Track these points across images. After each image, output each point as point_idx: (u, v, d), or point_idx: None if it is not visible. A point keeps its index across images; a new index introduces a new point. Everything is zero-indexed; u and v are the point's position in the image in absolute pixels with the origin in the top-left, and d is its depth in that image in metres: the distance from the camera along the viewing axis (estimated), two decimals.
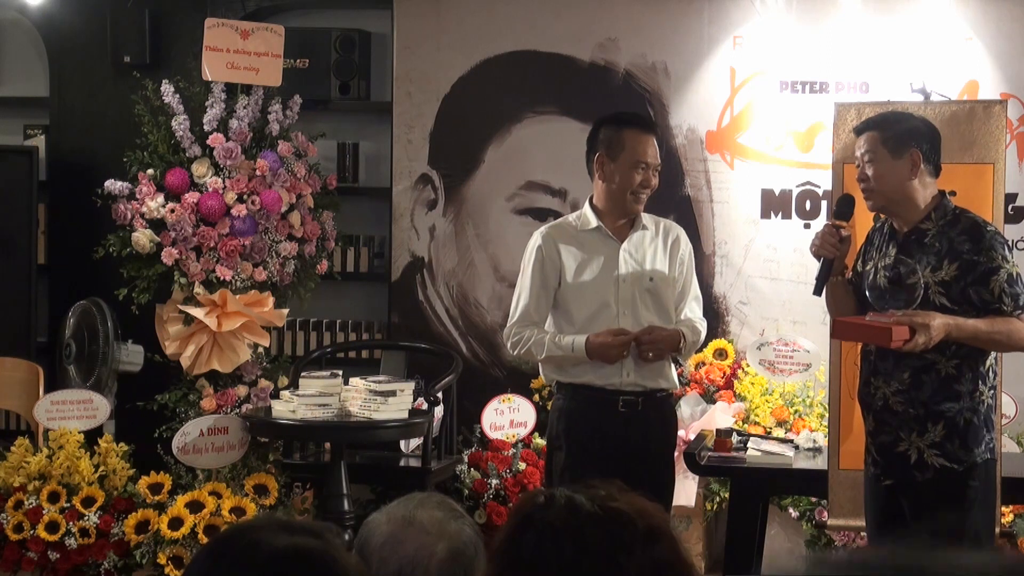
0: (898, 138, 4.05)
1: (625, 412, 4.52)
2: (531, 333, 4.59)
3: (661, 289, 4.61)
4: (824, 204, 6.31)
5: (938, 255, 3.99)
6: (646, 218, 4.68)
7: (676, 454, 5.80)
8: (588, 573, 1.76)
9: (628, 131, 4.57)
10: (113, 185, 5.94)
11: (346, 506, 5.55)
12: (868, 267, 4.18)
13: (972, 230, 4.00)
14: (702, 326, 4.73)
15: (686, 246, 4.72)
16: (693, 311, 4.72)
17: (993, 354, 4.08)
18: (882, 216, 4.25)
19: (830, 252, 4.16)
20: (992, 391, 4.08)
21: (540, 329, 4.61)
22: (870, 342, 4.15)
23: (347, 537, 5.40)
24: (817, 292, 4.27)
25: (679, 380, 6.31)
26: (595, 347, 4.49)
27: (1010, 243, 4.15)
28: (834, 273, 4.21)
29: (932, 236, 4.03)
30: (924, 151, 4.05)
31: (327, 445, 5.89)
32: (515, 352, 4.67)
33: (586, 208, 4.66)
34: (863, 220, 4.40)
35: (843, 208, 4.26)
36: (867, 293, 4.14)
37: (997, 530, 4.76)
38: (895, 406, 4.04)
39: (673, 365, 4.71)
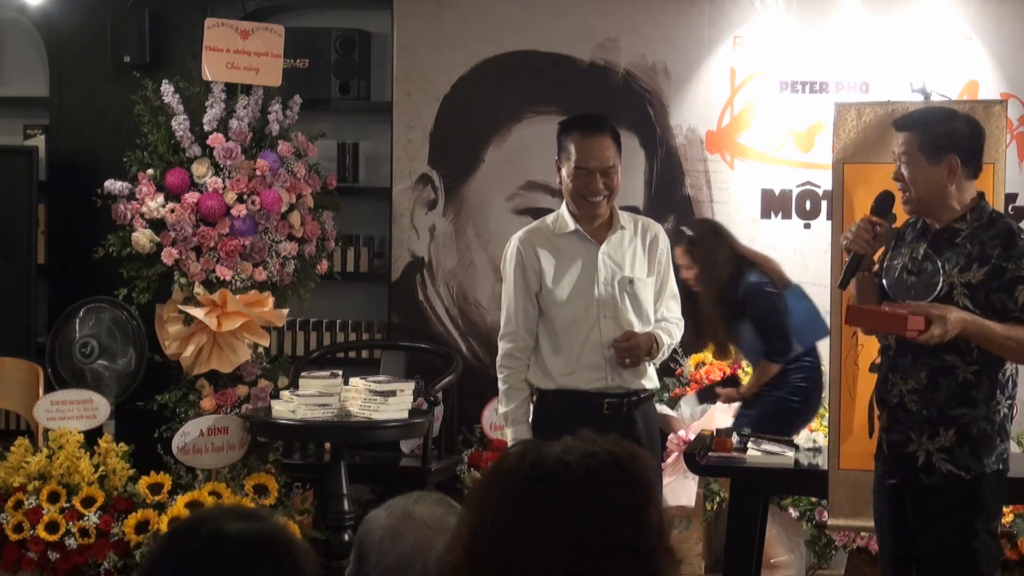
0: (936, 143, 3.94)
1: (610, 415, 4.50)
2: (515, 385, 4.56)
3: (641, 290, 4.57)
4: (824, 204, 6.32)
5: (968, 257, 3.92)
6: (624, 217, 4.62)
7: (677, 454, 5.82)
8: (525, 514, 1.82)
9: (572, 135, 4.50)
10: (113, 185, 5.94)
11: (346, 506, 5.55)
12: (896, 261, 4.12)
13: (1005, 235, 3.92)
14: (679, 326, 4.70)
15: (664, 243, 4.67)
16: (671, 310, 4.68)
17: (1013, 364, 4.00)
18: None
19: (862, 248, 4.07)
20: (1010, 401, 3.99)
21: (524, 387, 4.57)
22: (884, 330, 4.10)
23: (347, 538, 5.43)
24: (842, 286, 4.20)
25: (679, 380, 6.34)
26: None
27: None
28: (862, 268, 4.15)
29: (964, 237, 3.95)
30: (963, 157, 3.94)
31: (327, 445, 5.89)
32: (499, 378, 4.66)
33: (563, 211, 4.61)
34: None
35: (882, 205, 4.13)
36: (887, 286, 4.10)
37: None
38: (910, 405, 4.00)
39: (652, 365, 4.67)
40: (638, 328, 4.53)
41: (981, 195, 4.03)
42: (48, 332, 6.71)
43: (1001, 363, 3.95)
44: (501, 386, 4.60)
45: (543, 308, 4.57)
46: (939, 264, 3.94)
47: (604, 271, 4.53)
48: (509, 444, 4.60)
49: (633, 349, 4.48)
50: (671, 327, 4.64)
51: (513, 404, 4.56)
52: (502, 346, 4.62)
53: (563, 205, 4.63)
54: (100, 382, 6.15)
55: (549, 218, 4.66)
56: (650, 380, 4.61)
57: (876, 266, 4.19)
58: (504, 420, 4.63)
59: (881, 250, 4.19)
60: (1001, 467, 3.98)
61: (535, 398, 4.64)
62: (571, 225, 4.55)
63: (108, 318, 6.23)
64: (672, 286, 4.70)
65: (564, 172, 4.53)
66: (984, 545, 3.96)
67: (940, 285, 3.92)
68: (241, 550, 1.83)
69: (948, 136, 3.96)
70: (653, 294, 4.62)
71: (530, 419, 4.59)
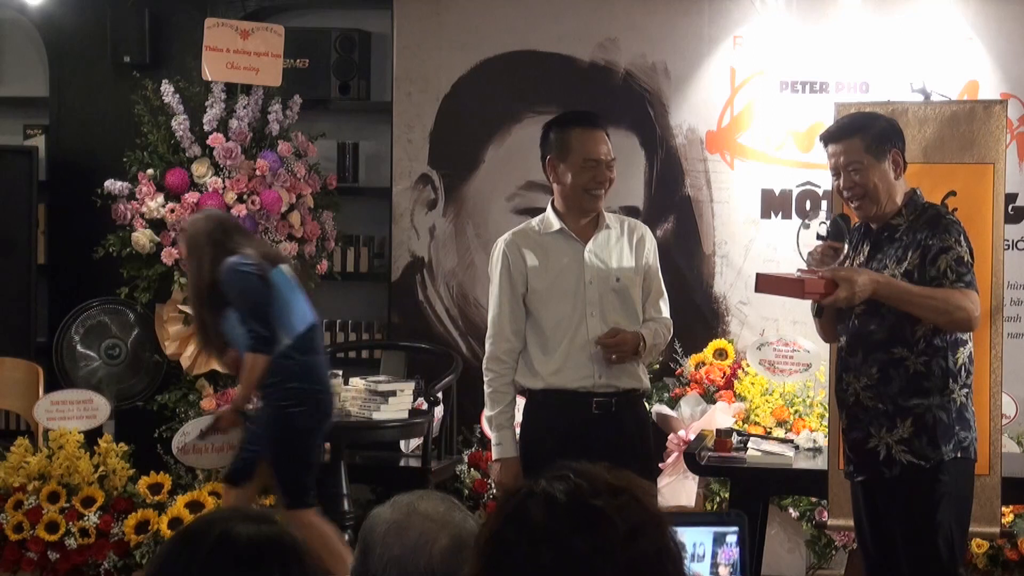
0: (878, 141, 4.03)
1: (599, 414, 4.50)
2: (500, 389, 4.57)
3: (628, 289, 4.58)
4: (824, 204, 6.32)
5: (905, 248, 4.00)
6: (610, 217, 4.63)
7: (677, 454, 5.82)
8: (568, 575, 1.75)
9: (574, 130, 4.54)
10: (113, 185, 5.94)
11: (346, 506, 5.56)
12: (845, 265, 4.17)
13: (932, 219, 4.01)
14: (668, 326, 4.68)
15: (651, 244, 4.68)
16: (659, 310, 4.67)
17: (966, 352, 4.02)
18: None
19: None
20: (966, 390, 4.02)
21: (509, 391, 4.58)
22: (785, 295, 4.18)
23: (347, 537, 5.42)
24: (819, 314, 4.23)
25: (679, 380, 6.34)
26: (496, 473, 4.62)
27: (966, 234, 4.07)
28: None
29: (902, 231, 4.04)
30: (900, 148, 4.05)
31: (327, 445, 5.89)
32: (484, 381, 4.66)
33: (548, 211, 4.62)
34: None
35: (837, 232, 4.20)
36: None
37: (997, 529, 4.77)
38: (865, 401, 4.05)
39: (643, 365, 4.67)
40: (625, 327, 4.53)
41: (914, 190, 4.09)
42: (48, 332, 6.72)
43: (952, 351, 3.98)
44: (486, 389, 4.60)
45: (530, 308, 4.58)
46: (884, 262, 3.98)
47: (590, 270, 4.54)
48: (493, 448, 4.61)
49: (620, 345, 4.47)
50: (659, 327, 4.63)
51: (498, 408, 4.57)
52: (488, 349, 4.63)
53: (548, 206, 4.64)
54: (123, 383, 6.15)
55: (534, 220, 4.67)
56: (639, 380, 4.60)
57: None
58: (489, 424, 4.63)
59: None
60: (961, 455, 3.99)
61: (524, 399, 4.65)
62: (556, 224, 4.57)
63: (127, 317, 6.23)
64: (660, 286, 4.71)
65: (563, 167, 4.53)
66: (949, 537, 3.97)
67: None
68: (250, 553, 1.83)
69: (884, 133, 4.06)
70: (641, 294, 4.63)
71: (515, 423, 4.60)
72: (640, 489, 1.81)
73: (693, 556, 2.45)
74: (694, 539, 2.50)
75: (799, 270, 4.06)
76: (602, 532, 1.75)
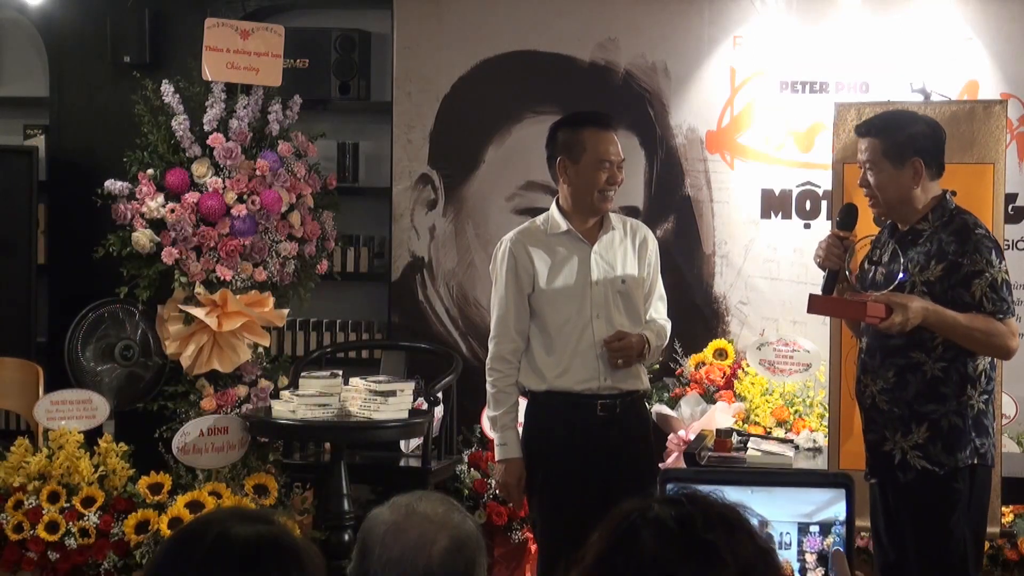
0: (900, 148, 4.00)
1: (604, 416, 4.51)
2: (504, 389, 4.58)
3: (632, 291, 4.59)
4: (824, 204, 6.32)
5: (927, 255, 3.98)
6: (614, 218, 4.64)
7: (677, 454, 5.82)
8: None
9: (586, 131, 4.53)
10: (113, 185, 5.94)
11: (346, 506, 5.55)
12: (869, 264, 4.17)
13: (960, 232, 3.97)
14: (667, 327, 4.72)
15: (653, 245, 4.71)
16: (658, 311, 4.71)
17: (988, 358, 4.03)
18: None
19: (835, 263, 4.12)
20: (986, 396, 4.02)
21: (513, 392, 4.59)
22: (845, 317, 4.16)
23: (347, 538, 5.42)
24: (830, 289, 4.23)
25: (679, 380, 6.34)
26: (499, 474, 4.60)
27: (1001, 247, 4.06)
28: (839, 281, 4.19)
29: (926, 236, 4.02)
30: (926, 159, 4.01)
31: (327, 445, 5.89)
32: (488, 381, 4.66)
33: (553, 211, 4.62)
34: (865, 220, 4.40)
35: (846, 218, 4.20)
36: (860, 285, 4.13)
37: (997, 529, 4.77)
38: (881, 404, 4.04)
39: (642, 367, 4.67)
40: (629, 328, 4.54)
41: (944, 194, 4.07)
42: (48, 332, 6.71)
43: (970, 358, 3.98)
44: (490, 389, 4.61)
45: (536, 309, 4.58)
46: (903, 263, 3.98)
47: (597, 271, 4.55)
48: (497, 448, 4.61)
49: (625, 349, 4.49)
50: (660, 328, 4.66)
51: (502, 409, 4.58)
52: (493, 348, 4.63)
53: (552, 206, 4.64)
54: (137, 385, 6.15)
55: (539, 219, 4.67)
56: (642, 381, 4.63)
57: (855, 272, 4.21)
58: (492, 424, 4.63)
59: (858, 259, 4.22)
60: (977, 461, 3.99)
61: (526, 400, 4.65)
62: (563, 225, 4.57)
63: (134, 319, 6.22)
64: (660, 288, 4.73)
65: (575, 169, 4.52)
66: (962, 543, 3.96)
67: (906, 289, 3.95)
68: (248, 554, 1.82)
69: (910, 140, 4.02)
70: (643, 295, 4.64)
71: (519, 423, 4.61)
72: (751, 534, 1.77)
73: (780, 544, 2.47)
74: (780, 529, 2.52)
75: (849, 294, 4.05)
76: (713, 568, 1.72)
